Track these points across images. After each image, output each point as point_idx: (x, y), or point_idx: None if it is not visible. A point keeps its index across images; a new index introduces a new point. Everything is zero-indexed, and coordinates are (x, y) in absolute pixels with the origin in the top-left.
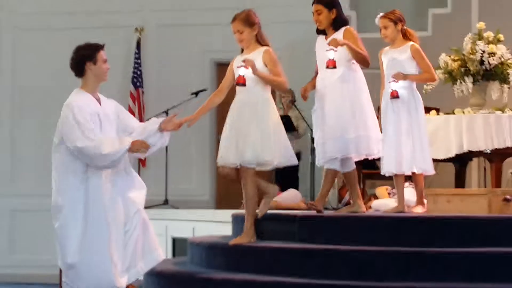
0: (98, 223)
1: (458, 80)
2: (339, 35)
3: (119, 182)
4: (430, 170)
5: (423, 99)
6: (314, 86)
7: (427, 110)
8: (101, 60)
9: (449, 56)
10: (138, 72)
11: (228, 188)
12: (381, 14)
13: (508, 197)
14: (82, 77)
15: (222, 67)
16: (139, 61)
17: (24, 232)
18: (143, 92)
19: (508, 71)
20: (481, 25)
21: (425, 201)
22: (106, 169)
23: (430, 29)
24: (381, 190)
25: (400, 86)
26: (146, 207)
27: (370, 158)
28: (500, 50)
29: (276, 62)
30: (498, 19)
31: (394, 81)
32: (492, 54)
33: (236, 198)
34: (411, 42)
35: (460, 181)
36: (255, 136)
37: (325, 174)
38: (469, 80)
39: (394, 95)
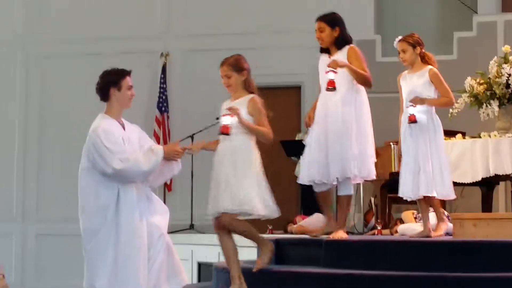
0: (129, 248)
1: (484, 104)
2: (342, 54)
3: (142, 208)
4: (450, 194)
5: (449, 123)
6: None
7: (453, 134)
8: (125, 86)
9: (475, 80)
10: (164, 97)
11: None
12: (400, 37)
13: None
14: (106, 102)
15: None
16: (164, 85)
17: (50, 257)
18: (168, 117)
19: None
20: (506, 48)
21: (446, 221)
22: (136, 189)
23: (455, 53)
24: (407, 214)
25: (418, 111)
26: (171, 232)
27: (369, 179)
28: None
29: (261, 111)
30: None
31: (412, 105)
32: None
33: (262, 222)
34: (430, 66)
35: (487, 205)
36: (235, 185)
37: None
38: (495, 104)
39: (412, 120)
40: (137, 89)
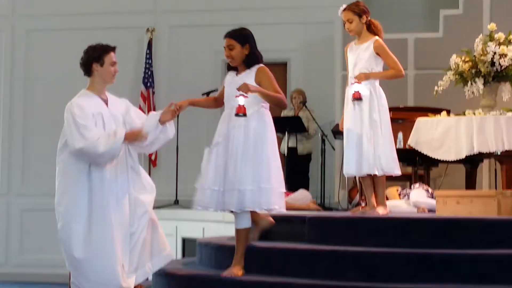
0: (102, 224)
1: (469, 82)
2: (251, 74)
3: (126, 182)
4: (393, 171)
5: (434, 101)
6: (199, 103)
7: (438, 111)
8: (108, 62)
9: (460, 57)
10: (149, 73)
11: None
12: (344, 6)
13: None
14: (90, 77)
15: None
16: (150, 61)
17: (35, 231)
18: (153, 92)
19: None
20: (492, 26)
21: (387, 208)
22: (109, 164)
23: (441, 30)
24: (392, 190)
25: (362, 87)
26: (156, 207)
27: (269, 212)
28: (511, 51)
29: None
30: (510, 20)
31: (356, 82)
32: (503, 55)
33: None
34: (376, 37)
35: (470, 183)
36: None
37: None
38: (480, 82)
39: (356, 97)
40: (123, 64)
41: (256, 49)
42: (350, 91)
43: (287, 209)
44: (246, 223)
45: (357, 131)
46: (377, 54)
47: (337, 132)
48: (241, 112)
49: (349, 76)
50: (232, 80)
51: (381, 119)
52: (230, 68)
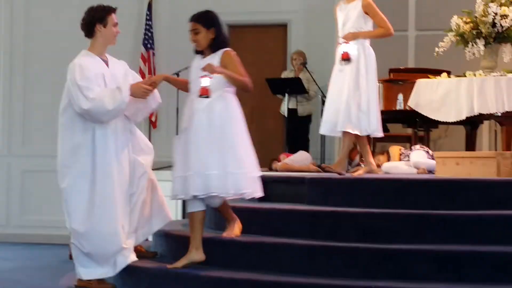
0: (105, 184)
1: (470, 43)
2: (216, 57)
3: (126, 143)
4: (375, 132)
5: (434, 62)
6: (175, 81)
7: (439, 72)
8: (111, 23)
9: (461, 19)
10: (149, 34)
11: None
12: None
13: None
14: (91, 38)
15: (235, 29)
16: (150, 22)
17: (36, 193)
18: (154, 54)
19: None
20: None
21: (372, 166)
22: (112, 123)
23: None
24: (394, 149)
25: (351, 47)
26: (155, 169)
27: (241, 197)
28: None
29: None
30: None
31: (345, 42)
32: (504, 16)
33: None
34: None
35: (470, 144)
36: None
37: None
38: (480, 43)
39: (345, 57)
40: (123, 26)
41: (222, 33)
42: (339, 51)
43: (287, 170)
44: (199, 205)
45: (340, 91)
46: (366, 13)
47: None
48: (205, 93)
49: (339, 35)
50: (197, 65)
51: (367, 79)
52: (197, 52)
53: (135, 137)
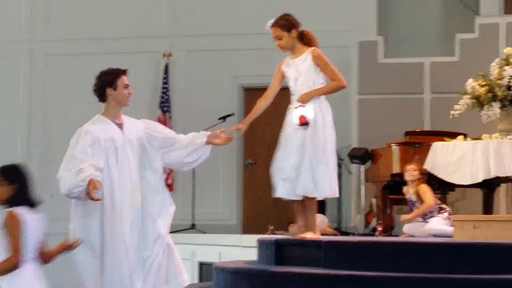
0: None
1: (485, 106)
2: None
3: (140, 206)
4: (328, 192)
5: (450, 125)
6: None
7: (455, 135)
8: (121, 85)
9: (476, 81)
10: (166, 97)
11: (255, 212)
12: (271, 22)
13: None
14: (104, 102)
15: (250, 92)
16: (167, 85)
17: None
18: (170, 117)
19: None
20: (508, 50)
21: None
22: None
23: (457, 54)
24: (426, 190)
25: (308, 111)
26: (172, 231)
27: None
28: None
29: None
30: None
31: (301, 106)
32: None
33: (263, 222)
34: (312, 48)
35: (488, 207)
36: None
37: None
38: (496, 105)
39: (303, 123)
40: (140, 89)
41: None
42: (293, 114)
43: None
44: None
45: (292, 151)
46: (317, 64)
47: (354, 157)
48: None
49: (292, 93)
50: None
51: (325, 137)
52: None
53: (162, 196)
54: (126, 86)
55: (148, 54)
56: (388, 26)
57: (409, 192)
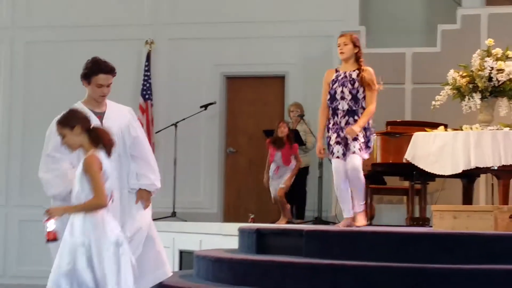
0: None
1: (466, 96)
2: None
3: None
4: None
5: (431, 116)
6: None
7: (435, 126)
8: (94, 83)
9: (458, 72)
10: (148, 85)
11: (236, 201)
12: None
13: None
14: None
15: (232, 81)
16: (148, 73)
17: (33, 243)
18: (152, 105)
19: None
20: (490, 41)
21: None
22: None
23: (439, 45)
24: None
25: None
26: (153, 219)
27: None
28: (509, 66)
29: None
30: (507, 35)
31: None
32: (500, 70)
33: (243, 211)
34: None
35: (467, 198)
36: None
37: None
38: (477, 97)
39: (51, 239)
40: (121, 77)
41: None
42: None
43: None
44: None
45: None
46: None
47: None
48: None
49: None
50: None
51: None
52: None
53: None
54: (99, 86)
55: (130, 41)
56: (370, 16)
57: None
